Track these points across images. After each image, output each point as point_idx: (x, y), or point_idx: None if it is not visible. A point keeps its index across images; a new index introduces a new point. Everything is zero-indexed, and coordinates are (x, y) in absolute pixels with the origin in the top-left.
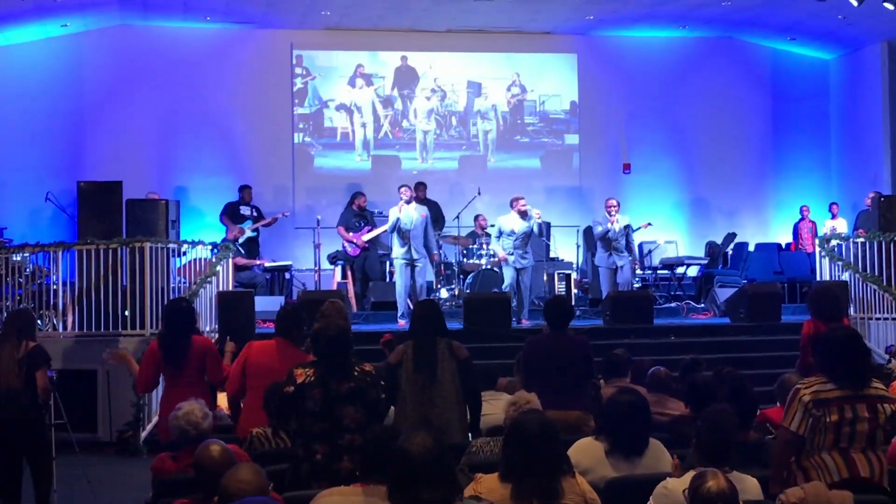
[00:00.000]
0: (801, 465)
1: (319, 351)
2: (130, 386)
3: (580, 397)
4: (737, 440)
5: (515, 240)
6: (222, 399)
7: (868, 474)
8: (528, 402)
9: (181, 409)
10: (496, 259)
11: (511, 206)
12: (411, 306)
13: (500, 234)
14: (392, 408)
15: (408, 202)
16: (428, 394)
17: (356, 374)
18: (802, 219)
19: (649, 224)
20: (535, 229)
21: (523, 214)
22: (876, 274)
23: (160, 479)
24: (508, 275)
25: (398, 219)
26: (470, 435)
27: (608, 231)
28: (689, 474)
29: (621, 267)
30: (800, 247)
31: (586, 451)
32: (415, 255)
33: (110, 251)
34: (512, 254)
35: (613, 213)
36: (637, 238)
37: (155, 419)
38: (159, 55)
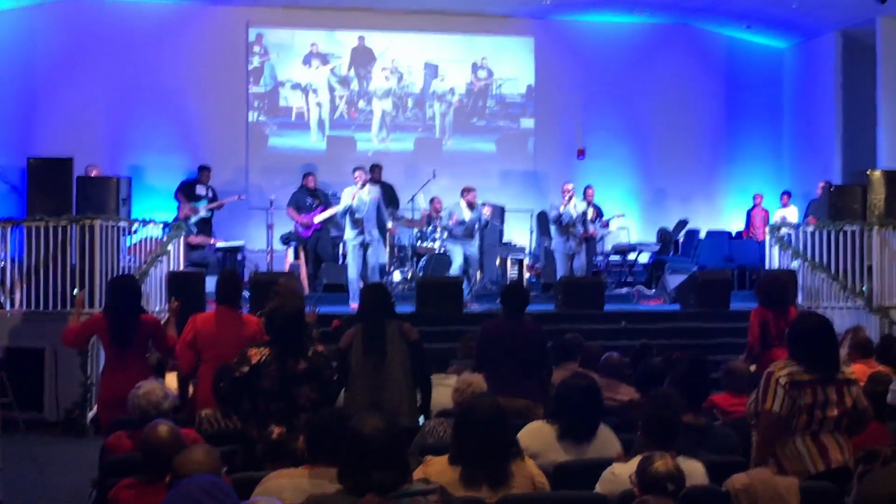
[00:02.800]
0: (775, 452)
1: (274, 330)
2: (78, 366)
3: (530, 385)
4: (685, 423)
5: (463, 229)
6: (170, 379)
7: (841, 459)
8: (471, 384)
9: (141, 388)
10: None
11: (462, 196)
12: (362, 286)
13: (451, 216)
14: (343, 392)
15: (361, 186)
16: (378, 377)
17: (311, 354)
18: (755, 206)
19: (622, 215)
20: (479, 224)
21: (471, 206)
22: (825, 263)
23: (110, 459)
24: (457, 260)
25: (350, 205)
26: (422, 417)
27: (559, 216)
28: (636, 459)
29: (577, 254)
30: (751, 234)
31: (536, 434)
32: (367, 238)
33: (60, 228)
34: (458, 241)
35: (566, 196)
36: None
37: None
38: (113, 30)
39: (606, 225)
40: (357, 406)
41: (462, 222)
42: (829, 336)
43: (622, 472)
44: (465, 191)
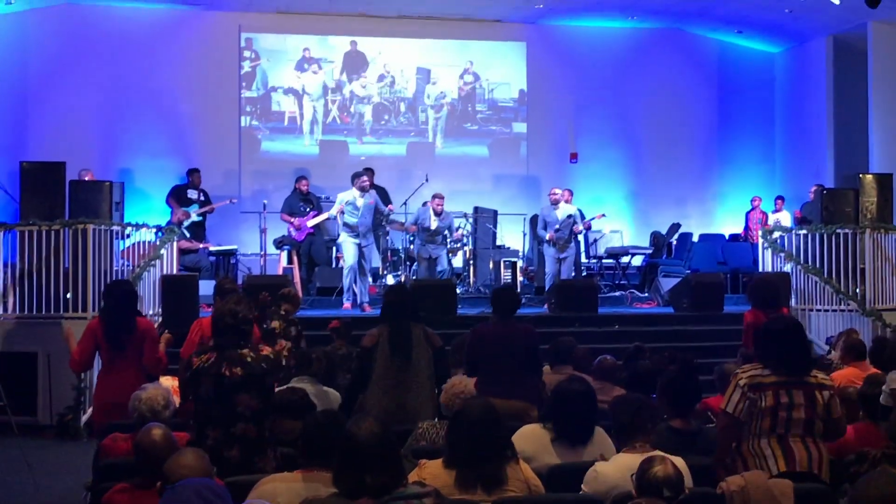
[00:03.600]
0: (741, 452)
1: (214, 333)
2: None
3: (523, 388)
4: (675, 427)
5: (431, 234)
6: (165, 381)
7: (805, 466)
8: (461, 387)
9: (144, 393)
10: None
11: (430, 202)
12: (355, 291)
13: (416, 221)
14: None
15: (362, 193)
16: (403, 379)
17: (250, 359)
18: (753, 209)
19: (603, 215)
20: (451, 230)
21: (437, 213)
22: (817, 266)
23: (105, 461)
24: (423, 265)
25: (347, 221)
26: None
27: (545, 221)
28: (619, 457)
29: (564, 259)
30: (749, 237)
31: (531, 437)
32: (362, 242)
33: (52, 232)
34: (424, 245)
35: (550, 200)
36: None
37: None
38: (106, 35)
39: (589, 226)
40: (380, 407)
41: (427, 228)
42: (797, 338)
43: (605, 471)
44: (434, 197)
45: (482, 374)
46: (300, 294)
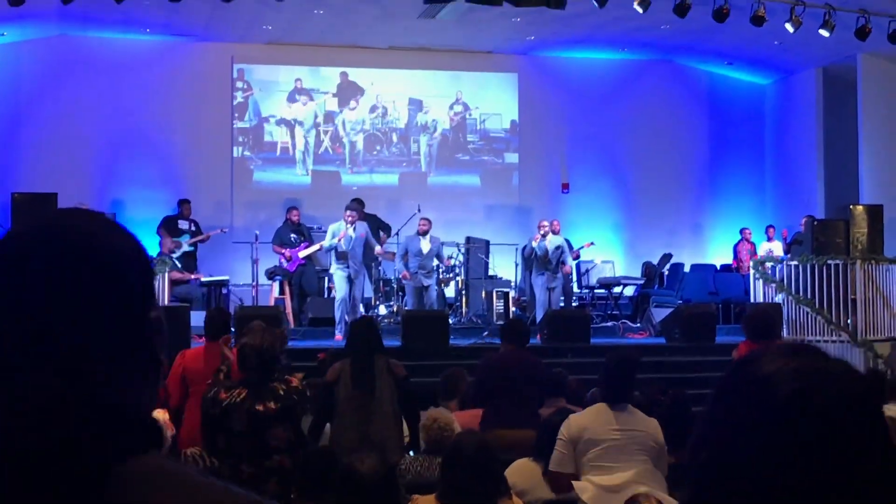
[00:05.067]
0: None
1: (246, 368)
2: None
3: (534, 418)
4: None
5: (423, 259)
6: (157, 414)
7: None
8: (436, 419)
9: None
10: (401, 276)
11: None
12: (348, 320)
13: (406, 252)
14: (328, 425)
15: (351, 224)
16: (366, 411)
17: (282, 392)
18: (742, 240)
19: (592, 244)
20: (438, 251)
21: (423, 233)
22: (809, 297)
23: None
24: (413, 293)
25: (337, 245)
26: (411, 452)
27: (533, 250)
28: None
29: (553, 289)
30: (738, 268)
31: (523, 472)
32: (353, 274)
33: None
34: (416, 273)
35: (540, 232)
36: (582, 256)
37: None
38: (98, 66)
39: (578, 256)
40: (345, 441)
41: (419, 252)
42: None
43: (577, 418)
44: (421, 221)
45: (492, 404)
46: (291, 324)
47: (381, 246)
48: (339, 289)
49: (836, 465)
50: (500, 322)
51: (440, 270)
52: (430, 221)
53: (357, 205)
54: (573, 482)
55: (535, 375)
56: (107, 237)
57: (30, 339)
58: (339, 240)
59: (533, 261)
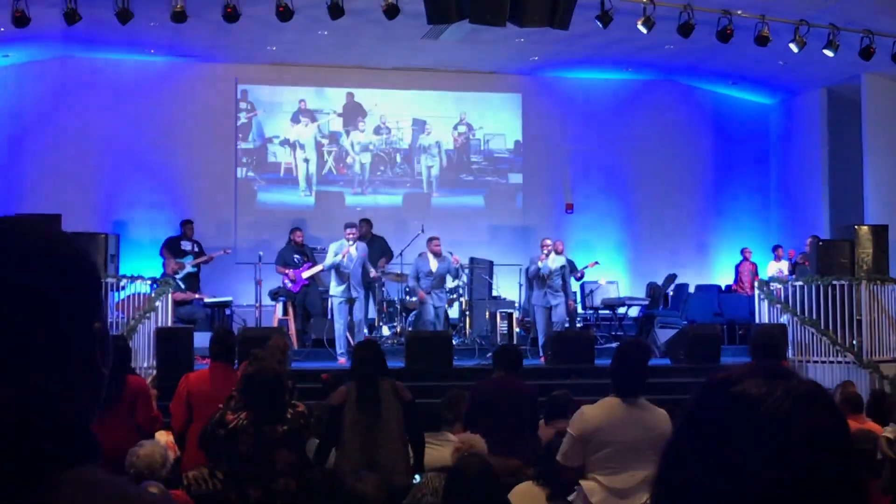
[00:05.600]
0: None
1: (251, 395)
2: None
3: (521, 445)
4: None
5: (432, 280)
6: (160, 436)
7: None
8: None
9: (142, 450)
10: (415, 299)
11: (427, 246)
12: (351, 342)
13: (418, 273)
14: (333, 449)
15: (353, 243)
16: (372, 435)
17: (289, 416)
18: (744, 260)
19: (596, 263)
20: (453, 272)
21: (437, 255)
22: (814, 317)
23: None
24: (427, 316)
25: (336, 262)
26: (417, 476)
27: (538, 270)
28: (606, 400)
29: (555, 306)
30: (739, 289)
31: (525, 496)
32: (353, 294)
33: None
34: (429, 293)
35: (545, 252)
36: (586, 276)
37: None
38: (102, 87)
39: (582, 275)
40: (351, 464)
41: (430, 273)
42: None
43: (590, 412)
44: (430, 240)
45: (480, 430)
46: (294, 345)
47: (378, 270)
48: (338, 314)
49: (808, 485)
50: (505, 343)
51: (458, 284)
52: (440, 241)
53: (365, 225)
54: (581, 482)
55: (523, 403)
56: (51, 246)
57: None
58: (343, 257)
59: (536, 280)
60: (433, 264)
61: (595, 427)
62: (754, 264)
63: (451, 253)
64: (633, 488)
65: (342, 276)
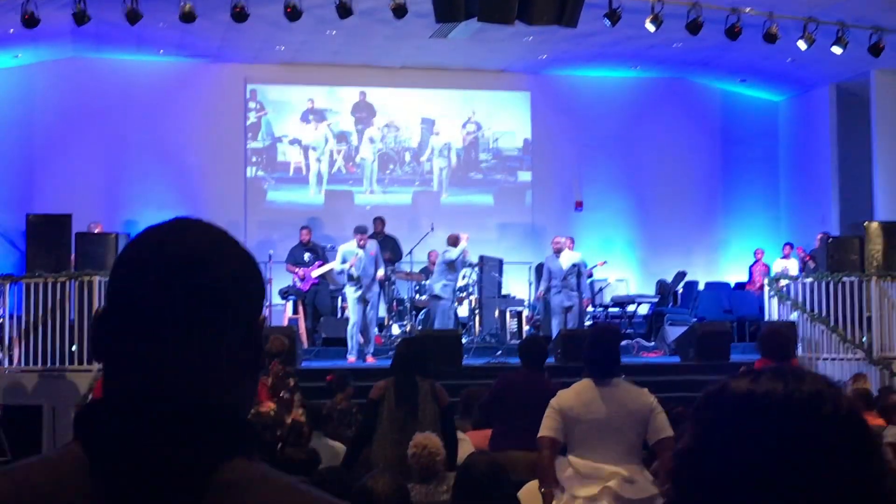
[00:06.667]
0: None
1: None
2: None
3: None
4: None
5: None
6: None
7: None
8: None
9: None
10: (425, 298)
11: (455, 243)
12: (361, 340)
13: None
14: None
15: (361, 247)
16: (408, 432)
17: (251, 416)
18: (756, 261)
19: (605, 262)
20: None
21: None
22: (824, 314)
23: None
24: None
25: (346, 270)
26: None
27: (550, 271)
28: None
29: (570, 307)
30: (751, 289)
31: (536, 495)
32: (366, 294)
33: (59, 285)
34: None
35: (553, 248)
36: (595, 275)
37: None
38: (112, 88)
39: (591, 274)
40: (385, 460)
41: (451, 262)
42: None
43: (564, 394)
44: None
45: (504, 425)
46: (305, 344)
47: (388, 270)
48: (353, 311)
49: (828, 483)
50: (514, 341)
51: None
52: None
53: (379, 223)
54: (559, 457)
55: (545, 398)
56: (224, 247)
57: (150, 339)
58: (351, 266)
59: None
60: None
61: (568, 405)
62: (766, 265)
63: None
64: (601, 469)
65: (355, 280)
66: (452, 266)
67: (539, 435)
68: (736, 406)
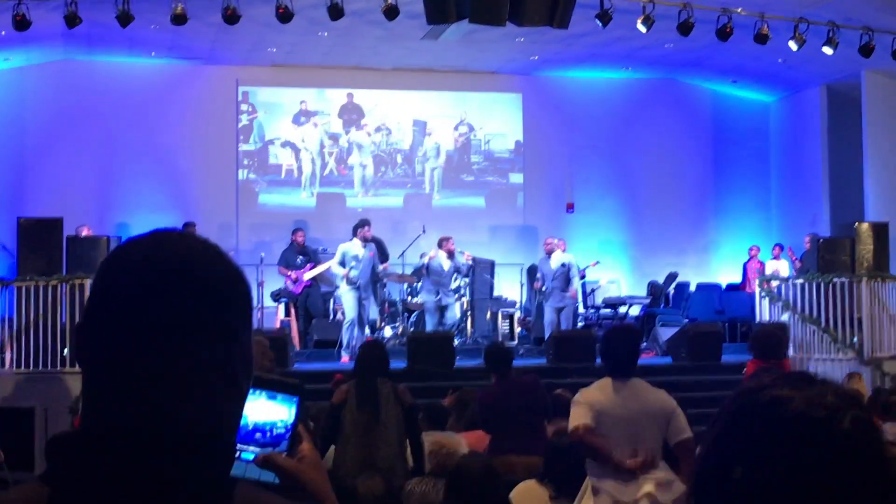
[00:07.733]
0: None
1: None
2: (69, 424)
3: (538, 441)
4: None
5: (443, 278)
6: None
7: None
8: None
9: None
10: (417, 300)
11: (440, 245)
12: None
13: (428, 268)
14: (332, 448)
15: (364, 244)
16: (371, 435)
17: None
18: (751, 259)
19: (597, 262)
20: (463, 270)
21: (451, 254)
22: (815, 315)
23: None
24: (433, 316)
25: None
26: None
27: (541, 273)
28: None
29: (562, 308)
30: (747, 287)
31: (529, 494)
32: (363, 294)
33: (50, 288)
34: (435, 291)
35: (545, 250)
36: (587, 276)
37: None
38: (103, 90)
39: (583, 275)
40: (350, 462)
41: (440, 271)
42: None
43: (589, 392)
44: (443, 240)
45: (496, 436)
46: (297, 346)
47: (380, 271)
48: (350, 310)
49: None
50: (507, 343)
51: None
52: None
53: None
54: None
55: (529, 397)
56: (207, 257)
57: (144, 357)
58: (351, 268)
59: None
60: (445, 264)
61: (595, 399)
62: (761, 263)
63: (461, 252)
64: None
65: (351, 277)
66: (427, 272)
67: (572, 425)
68: (759, 416)
